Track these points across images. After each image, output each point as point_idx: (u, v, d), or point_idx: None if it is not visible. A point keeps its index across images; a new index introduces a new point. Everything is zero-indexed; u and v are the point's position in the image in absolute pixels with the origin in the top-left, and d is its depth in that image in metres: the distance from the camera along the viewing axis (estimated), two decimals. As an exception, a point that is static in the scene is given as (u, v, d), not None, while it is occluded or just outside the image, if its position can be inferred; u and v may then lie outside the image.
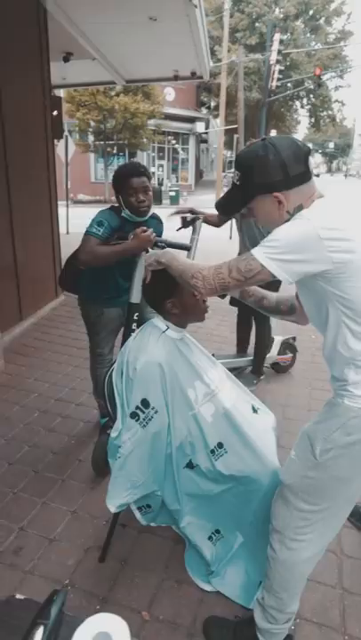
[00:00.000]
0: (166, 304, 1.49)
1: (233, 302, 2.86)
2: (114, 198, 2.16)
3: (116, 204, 2.18)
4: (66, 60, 5.60)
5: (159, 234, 2.29)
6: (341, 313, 1.12)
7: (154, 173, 21.77)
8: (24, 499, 2.07)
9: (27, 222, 4.14)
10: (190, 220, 2.46)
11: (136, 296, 2.04)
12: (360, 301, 1.09)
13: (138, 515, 1.62)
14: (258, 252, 1.08)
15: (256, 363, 3.21)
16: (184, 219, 2.49)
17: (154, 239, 1.94)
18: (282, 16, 21.94)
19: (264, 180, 1.11)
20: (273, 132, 22.61)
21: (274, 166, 1.09)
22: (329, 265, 1.05)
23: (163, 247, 1.98)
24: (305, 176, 1.12)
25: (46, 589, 0.96)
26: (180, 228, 2.52)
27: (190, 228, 2.45)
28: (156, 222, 2.31)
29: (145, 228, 1.95)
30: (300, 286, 1.22)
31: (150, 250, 1.98)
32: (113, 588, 1.65)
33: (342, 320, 1.12)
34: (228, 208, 1.28)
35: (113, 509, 1.49)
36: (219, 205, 1.29)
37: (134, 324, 2.06)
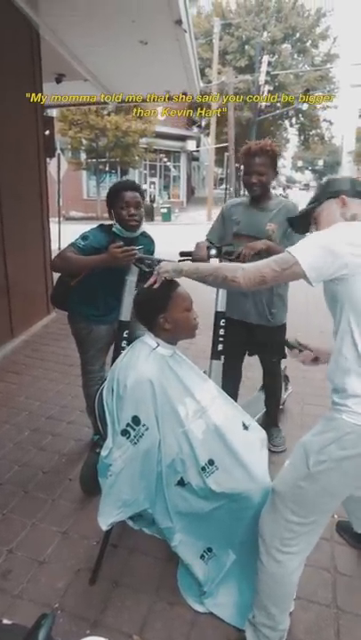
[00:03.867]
0: (159, 319, 1.50)
1: (214, 356, 2.22)
2: (106, 215, 2.19)
3: (107, 223, 2.21)
4: (58, 81, 5.71)
5: (150, 252, 2.30)
6: (350, 319, 1.20)
7: (145, 191, 22.00)
8: (13, 520, 2.04)
9: (18, 239, 4.15)
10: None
11: (126, 314, 2.05)
12: None
13: (130, 522, 1.60)
14: (291, 249, 1.22)
15: (271, 414, 2.71)
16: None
17: (122, 256, 1.93)
18: (269, 40, 22.56)
19: (336, 188, 1.39)
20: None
21: (345, 181, 1.41)
22: (345, 268, 1.17)
23: (150, 265, 1.98)
24: None
25: (35, 614, 0.94)
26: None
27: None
28: (148, 241, 2.33)
29: (120, 244, 1.97)
30: (325, 294, 1.34)
31: (135, 266, 1.99)
32: (104, 611, 1.62)
33: (350, 326, 1.20)
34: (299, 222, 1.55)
35: (104, 527, 1.48)
36: (291, 221, 1.62)
37: (124, 342, 2.07)
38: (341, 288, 1.21)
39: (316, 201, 1.42)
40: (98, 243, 2.07)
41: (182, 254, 2.23)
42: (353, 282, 1.19)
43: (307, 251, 1.20)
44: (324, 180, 1.54)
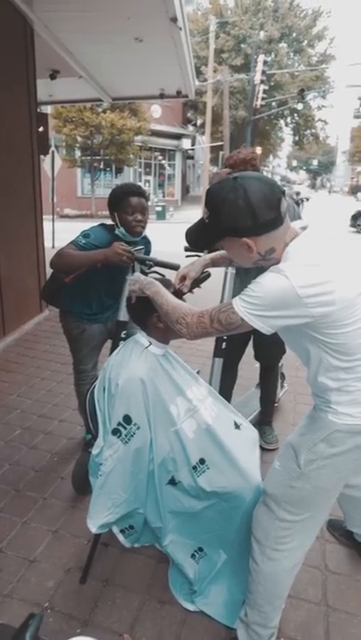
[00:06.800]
0: (153, 318, 1.50)
1: (217, 354, 2.23)
2: (100, 213, 2.17)
3: (108, 223, 2.17)
4: (52, 77, 5.67)
5: (147, 252, 2.28)
6: (322, 351, 1.15)
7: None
8: (4, 519, 2.02)
9: (11, 237, 4.12)
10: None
11: (124, 314, 2.04)
12: (339, 343, 1.12)
13: (121, 538, 1.61)
14: (238, 307, 1.09)
15: (266, 412, 2.77)
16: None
17: (124, 254, 1.92)
18: (266, 39, 22.57)
19: (232, 225, 1.08)
20: (258, 150, 23.04)
21: (242, 212, 1.06)
22: (310, 318, 1.07)
23: (150, 265, 1.97)
24: (276, 222, 1.07)
25: (25, 613, 0.93)
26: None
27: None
28: (145, 241, 2.30)
29: (123, 244, 1.97)
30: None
31: (137, 269, 1.97)
32: (94, 609, 1.62)
33: (323, 356, 1.16)
34: (198, 242, 1.28)
35: (94, 530, 1.47)
36: (189, 236, 1.26)
37: (121, 342, 2.05)
38: (306, 330, 1.11)
39: (214, 233, 1.14)
40: (100, 241, 2.03)
41: (188, 250, 1.99)
42: (322, 327, 1.09)
43: (255, 310, 1.07)
44: (211, 202, 1.12)
